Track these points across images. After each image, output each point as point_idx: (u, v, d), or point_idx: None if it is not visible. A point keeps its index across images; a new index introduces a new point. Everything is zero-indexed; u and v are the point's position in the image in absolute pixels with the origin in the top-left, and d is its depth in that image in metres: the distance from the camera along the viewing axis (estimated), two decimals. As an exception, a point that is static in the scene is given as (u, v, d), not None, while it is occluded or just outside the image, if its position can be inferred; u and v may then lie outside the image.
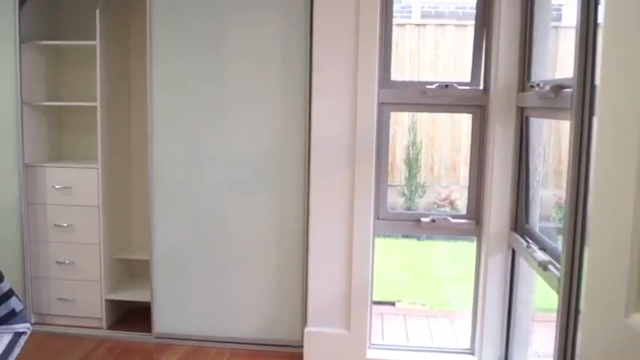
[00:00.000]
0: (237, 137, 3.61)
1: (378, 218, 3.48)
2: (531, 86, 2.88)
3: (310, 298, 3.54)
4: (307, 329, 3.55)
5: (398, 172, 7.13)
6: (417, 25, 7.05)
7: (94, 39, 3.78)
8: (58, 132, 4.28)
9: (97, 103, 3.80)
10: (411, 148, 7.00)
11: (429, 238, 6.45)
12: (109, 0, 3.87)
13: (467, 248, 5.13)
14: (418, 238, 6.49)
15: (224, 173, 3.64)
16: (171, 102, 3.65)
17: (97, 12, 3.74)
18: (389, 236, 6.21)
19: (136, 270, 4.33)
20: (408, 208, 6.85)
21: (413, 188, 7.03)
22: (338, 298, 3.49)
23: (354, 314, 3.47)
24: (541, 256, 2.67)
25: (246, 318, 3.72)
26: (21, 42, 3.76)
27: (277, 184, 3.61)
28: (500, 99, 3.19)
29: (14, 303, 3.02)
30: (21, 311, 3.04)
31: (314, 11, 3.37)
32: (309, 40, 3.44)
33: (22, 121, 3.80)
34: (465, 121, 6.48)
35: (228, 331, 3.74)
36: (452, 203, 6.90)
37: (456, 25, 7.06)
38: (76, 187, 3.88)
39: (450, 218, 3.47)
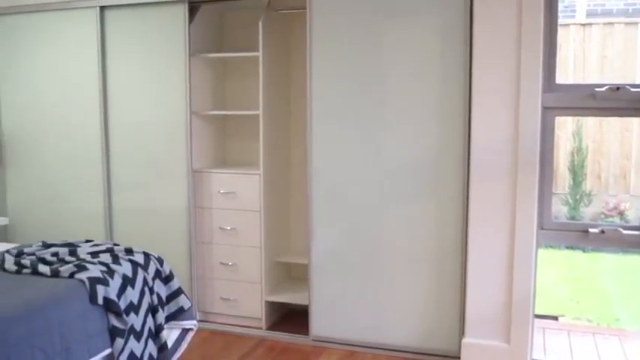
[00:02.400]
0: (395, 144, 3.60)
1: (542, 228, 3.32)
2: None
3: (469, 309, 3.44)
4: (465, 340, 3.45)
5: (561, 180, 6.78)
6: (582, 24, 6.68)
7: (257, 50, 3.93)
8: (222, 139, 4.50)
9: (260, 112, 3.94)
10: (575, 155, 6.63)
11: (595, 250, 6.07)
12: (271, 12, 4.01)
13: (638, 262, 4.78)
14: (583, 250, 6.12)
15: (382, 179, 3.64)
16: (330, 109, 3.71)
17: (260, 24, 3.88)
18: (551, 247, 5.92)
19: (295, 273, 4.44)
20: (572, 218, 6.49)
21: (577, 197, 6.65)
22: (498, 310, 3.37)
23: (515, 327, 3.33)
24: None
25: (401, 325, 3.68)
26: (190, 55, 3.99)
27: (435, 191, 3.54)
28: (680, 100, 2.93)
29: (183, 301, 3.21)
30: (189, 309, 3.23)
31: (474, 13, 3.30)
32: (468, 43, 3.36)
33: (190, 130, 4.03)
34: (636, 125, 6.04)
35: (383, 337, 3.72)
36: (621, 213, 6.45)
37: (626, 24, 6.62)
38: (240, 192, 4.05)
39: (621, 230, 3.23)
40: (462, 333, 3.51)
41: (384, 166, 3.63)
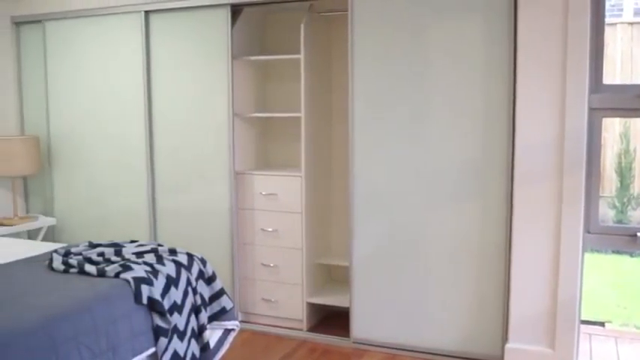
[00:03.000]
0: (438, 145, 3.57)
1: (588, 231, 3.26)
2: None
3: (512, 313, 3.40)
4: (508, 345, 3.41)
5: (608, 183, 6.64)
6: (629, 23, 6.53)
7: (299, 53, 3.95)
8: (264, 141, 4.52)
9: (301, 114, 3.96)
10: (622, 157, 6.49)
11: (643, 254, 5.93)
12: (313, 15, 4.03)
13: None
14: (631, 255, 5.98)
15: (424, 181, 3.61)
16: (371, 111, 3.70)
17: (302, 27, 3.90)
18: (597, 251, 5.79)
19: (336, 275, 4.44)
20: (619, 222, 6.34)
21: (625, 200, 6.50)
22: (542, 315, 3.32)
23: (560, 333, 3.27)
24: None
25: (443, 329, 3.65)
26: (233, 58, 4.03)
27: (478, 193, 3.51)
28: None
29: (225, 301, 3.24)
30: (231, 309, 3.25)
31: (518, 14, 3.26)
32: (512, 43, 3.31)
33: (233, 132, 4.07)
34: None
35: (424, 340, 3.69)
36: (670, 217, 6.29)
37: (677, 22, 6.47)
38: (281, 194, 4.07)
39: (671, 234, 3.16)
40: (505, 338, 3.46)
41: (427, 168, 3.60)
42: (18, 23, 4.73)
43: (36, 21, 4.63)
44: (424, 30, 3.54)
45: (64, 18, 4.48)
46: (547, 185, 3.25)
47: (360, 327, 3.85)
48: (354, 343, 3.86)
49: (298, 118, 4.03)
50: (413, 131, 3.61)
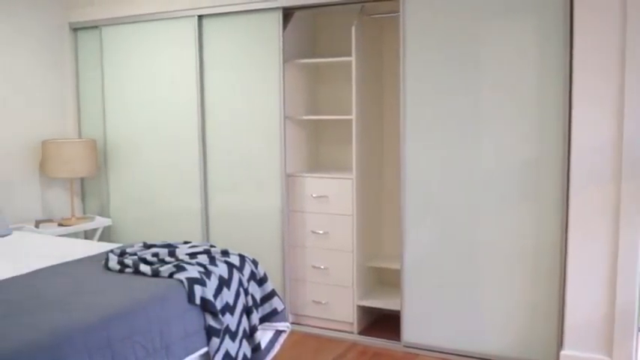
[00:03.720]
0: (491, 146, 3.51)
1: (648, 236, 3.16)
2: None
3: (567, 319, 3.32)
4: (564, 352, 3.33)
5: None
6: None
7: (349, 55, 3.95)
8: (315, 144, 4.54)
9: (353, 116, 3.96)
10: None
11: None
12: (364, 17, 4.02)
13: None
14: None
15: (477, 183, 3.57)
16: (423, 113, 3.67)
17: (353, 29, 3.90)
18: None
19: (386, 278, 4.42)
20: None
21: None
22: (599, 321, 3.24)
23: (618, 340, 3.19)
24: None
25: (496, 334, 3.59)
26: (284, 61, 4.05)
27: (533, 196, 3.44)
28: None
29: (276, 303, 3.26)
30: (282, 311, 3.27)
31: (574, 14, 3.19)
32: (568, 44, 3.24)
33: (284, 134, 4.09)
34: None
35: (477, 345, 3.64)
36: None
37: None
38: (332, 197, 4.07)
39: None
40: (560, 344, 3.39)
41: (480, 170, 3.55)
42: (76, 29, 4.86)
43: (93, 27, 4.75)
44: (476, 31, 3.50)
45: (120, 23, 4.59)
46: (605, 188, 3.17)
47: (411, 330, 3.82)
48: (404, 346, 3.84)
49: (349, 121, 4.03)
50: (466, 133, 3.57)
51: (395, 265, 3.97)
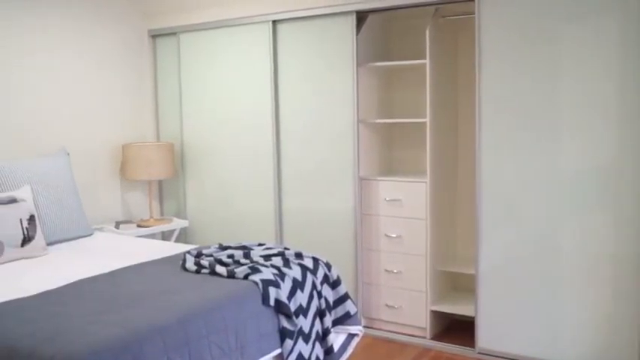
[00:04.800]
0: (569, 151, 3.41)
1: None
2: None
3: (652, 329, 3.19)
4: (647, 363, 3.20)
5: None
6: None
7: (423, 58, 3.92)
8: (388, 147, 4.52)
9: (427, 119, 3.92)
10: None
11: None
12: (438, 19, 3.98)
13: None
14: None
15: (555, 188, 3.46)
16: (499, 115, 3.60)
17: (427, 32, 3.86)
18: None
19: (460, 283, 4.36)
20: None
21: None
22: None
23: None
24: None
25: (572, 343, 3.48)
26: (357, 65, 4.05)
27: (613, 201, 3.31)
28: None
29: (349, 306, 3.25)
30: (355, 314, 3.26)
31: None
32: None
33: (357, 138, 4.09)
34: None
35: (553, 354, 3.53)
36: None
37: None
38: (405, 200, 4.04)
39: None
40: (643, 355, 3.26)
41: (558, 175, 3.45)
42: (155, 36, 5.01)
43: (171, 33, 4.88)
44: (555, 32, 3.40)
45: (197, 30, 4.70)
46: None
47: (486, 337, 3.75)
48: (479, 353, 3.77)
49: (423, 124, 4.00)
50: (543, 137, 3.48)
51: (469, 270, 3.91)
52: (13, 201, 3.42)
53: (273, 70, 4.36)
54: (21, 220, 3.40)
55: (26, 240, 3.40)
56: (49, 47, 4.30)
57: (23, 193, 3.52)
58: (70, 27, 4.43)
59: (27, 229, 3.42)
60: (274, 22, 4.32)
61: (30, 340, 2.15)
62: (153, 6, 4.92)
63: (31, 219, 3.46)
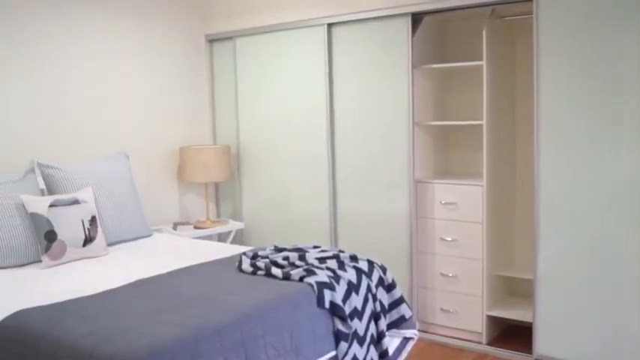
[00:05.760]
0: (632, 155, 3.30)
1: None
2: None
3: None
4: None
5: None
6: None
7: (480, 59, 3.87)
8: (444, 150, 4.48)
9: (483, 122, 3.87)
10: None
11: None
12: (494, 20, 3.93)
13: None
14: None
15: (616, 192, 3.36)
16: (558, 118, 3.51)
17: (484, 33, 3.82)
18: None
19: (517, 288, 4.28)
20: None
21: None
22: None
23: None
24: None
25: (633, 350, 3.37)
26: (413, 67, 4.03)
27: (679, 206, 3.21)
28: None
29: (404, 309, 3.24)
30: (410, 318, 3.24)
31: None
32: None
33: (412, 140, 4.07)
34: None
35: (616, 362, 3.45)
36: None
37: None
38: (461, 203, 4.00)
39: None
40: None
41: (619, 178, 3.35)
42: (212, 41, 5.09)
43: (227, 38, 4.95)
44: (616, 31, 3.31)
45: (253, 34, 4.75)
46: None
47: (544, 343, 3.67)
48: (536, 359, 3.70)
49: (479, 126, 3.95)
50: (603, 140, 3.38)
51: (526, 275, 3.84)
52: (76, 202, 3.52)
53: (328, 73, 4.37)
54: (83, 221, 3.50)
55: (88, 240, 3.50)
56: (109, 52, 4.41)
57: (85, 194, 3.62)
58: (129, 33, 4.55)
59: (88, 229, 3.51)
60: (329, 25, 4.33)
61: (90, 339, 2.21)
62: (210, 11, 5.00)
63: (93, 220, 3.56)
